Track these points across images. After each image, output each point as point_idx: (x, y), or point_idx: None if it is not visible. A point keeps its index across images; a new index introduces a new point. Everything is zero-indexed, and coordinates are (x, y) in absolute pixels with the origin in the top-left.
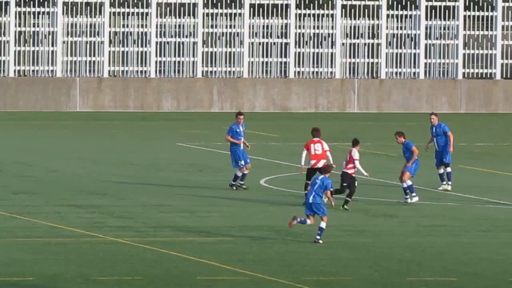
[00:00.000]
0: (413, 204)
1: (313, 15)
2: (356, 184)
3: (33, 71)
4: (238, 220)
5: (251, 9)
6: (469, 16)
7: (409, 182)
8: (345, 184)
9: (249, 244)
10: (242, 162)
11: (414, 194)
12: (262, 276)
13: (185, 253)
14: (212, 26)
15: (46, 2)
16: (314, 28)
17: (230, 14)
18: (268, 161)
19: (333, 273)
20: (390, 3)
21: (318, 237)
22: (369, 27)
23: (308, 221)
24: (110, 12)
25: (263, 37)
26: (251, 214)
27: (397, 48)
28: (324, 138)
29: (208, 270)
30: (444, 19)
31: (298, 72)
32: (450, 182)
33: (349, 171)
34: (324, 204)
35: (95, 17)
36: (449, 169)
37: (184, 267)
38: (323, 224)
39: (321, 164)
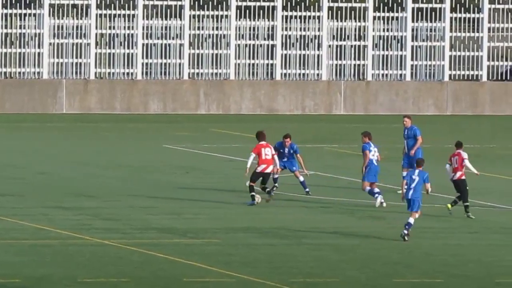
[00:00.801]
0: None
1: (300, 17)
2: (467, 187)
3: (19, 73)
4: (225, 222)
5: (238, 11)
6: (455, 18)
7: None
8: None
9: (236, 246)
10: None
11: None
12: (249, 278)
13: (172, 255)
14: (198, 28)
15: (32, 4)
16: (300, 30)
17: (217, 16)
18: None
19: (320, 274)
20: (376, 5)
21: (405, 231)
22: (355, 29)
23: (416, 216)
24: (96, 14)
25: (250, 39)
26: (238, 216)
27: (383, 50)
28: (310, 140)
29: (195, 272)
30: (431, 21)
31: (285, 74)
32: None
33: (460, 176)
34: (421, 200)
35: (81, 19)
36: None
37: (171, 269)
38: (411, 220)
39: (269, 169)
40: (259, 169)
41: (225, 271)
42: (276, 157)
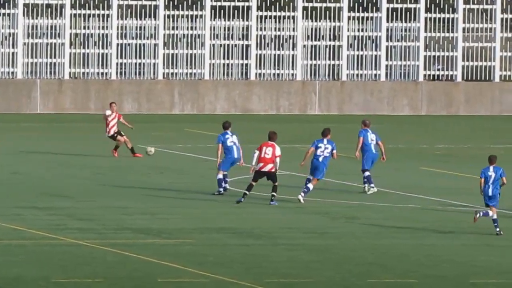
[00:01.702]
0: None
1: (274, 17)
2: None
3: None
4: (199, 222)
5: (212, 11)
6: (430, 18)
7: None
8: None
9: (210, 246)
10: None
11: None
12: (223, 278)
13: (146, 255)
14: (173, 28)
15: (6, 4)
16: (275, 30)
17: (191, 16)
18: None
19: (295, 275)
20: (351, 5)
21: (497, 229)
22: (330, 29)
23: (490, 213)
24: (71, 14)
25: (224, 39)
26: (213, 216)
27: (358, 50)
28: (285, 140)
29: (169, 272)
30: (405, 21)
31: (259, 74)
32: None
33: None
34: (499, 195)
35: (55, 18)
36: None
37: (145, 269)
38: (495, 216)
39: (267, 168)
40: (257, 167)
41: (199, 271)
42: (278, 159)
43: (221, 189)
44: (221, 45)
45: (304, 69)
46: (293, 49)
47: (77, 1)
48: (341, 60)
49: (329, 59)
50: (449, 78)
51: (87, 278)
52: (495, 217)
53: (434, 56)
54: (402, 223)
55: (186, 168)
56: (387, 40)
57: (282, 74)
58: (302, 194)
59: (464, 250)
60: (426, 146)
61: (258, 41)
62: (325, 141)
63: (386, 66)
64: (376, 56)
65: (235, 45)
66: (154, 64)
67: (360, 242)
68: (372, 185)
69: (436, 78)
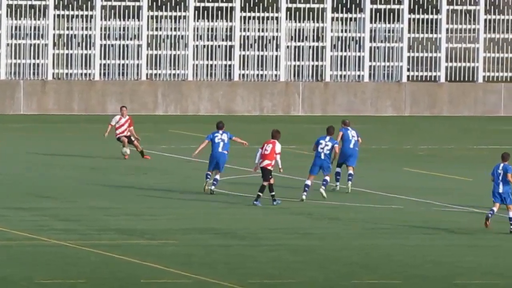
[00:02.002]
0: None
1: (258, 18)
2: None
3: None
4: (182, 223)
5: (196, 11)
6: (413, 19)
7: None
8: None
9: (193, 247)
10: None
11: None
12: (207, 279)
13: (129, 256)
14: (156, 29)
15: None
16: (258, 31)
17: (175, 16)
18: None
19: (278, 276)
20: (334, 6)
21: None
22: (313, 30)
23: (495, 209)
24: (54, 15)
25: (208, 40)
26: (196, 217)
27: (341, 51)
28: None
29: (153, 273)
30: (389, 22)
31: (243, 75)
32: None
33: None
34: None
35: (39, 19)
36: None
37: (129, 270)
38: (510, 213)
39: (264, 164)
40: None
41: (182, 272)
42: (278, 156)
43: (212, 186)
44: (204, 46)
45: (287, 70)
46: (276, 50)
47: (61, 2)
48: (325, 61)
49: (313, 60)
50: (433, 79)
51: (70, 278)
52: (510, 215)
53: (418, 57)
54: (385, 223)
55: (170, 169)
56: (370, 41)
57: (265, 75)
58: (323, 187)
59: (448, 251)
60: (410, 147)
61: (242, 42)
62: (327, 138)
63: (370, 67)
64: (359, 57)
65: (219, 46)
66: (138, 65)
67: (344, 243)
68: (337, 183)
69: (419, 79)
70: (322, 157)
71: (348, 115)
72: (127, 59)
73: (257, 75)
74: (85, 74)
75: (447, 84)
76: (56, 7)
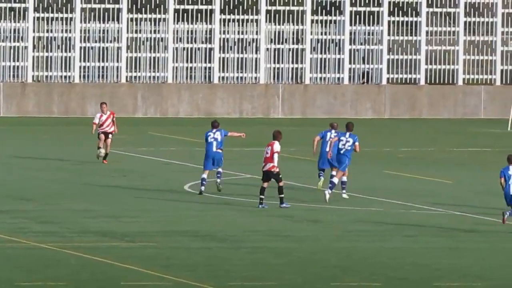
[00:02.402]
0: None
1: (238, 20)
2: None
3: None
4: (162, 225)
5: (176, 14)
6: (393, 22)
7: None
8: None
9: (173, 249)
10: None
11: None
12: (187, 281)
13: (109, 258)
14: (136, 31)
15: None
16: (238, 33)
17: (155, 19)
18: (192, 166)
19: (258, 278)
20: (314, 9)
21: None
22: (293, 32)
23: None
24: (34, 17)
25: (188, 42)
26: (176, 219)
27: (321, 53)
28: (248, 143)
29: (133, 275)
30: (368, 25)
31: (223, 77)
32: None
33: None
34: None
35: (19, 22)
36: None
37: (109, 272)
38: None
39: (267, 167)
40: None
41: (162, 275)
42: (276, 155)
43: (202, 187)
44: (184, 48)
45: (267, 72)
46: (256, 53)
47: (41, 5)
48: (305, 64)
49: (293, 62)
50: (413, 81)
51: (50, 281)
52: None
53: (398, 60)
54: (365, 226)
55: (150, 171)
56: (350, 44)
57: (245, 78)
58: (329, 190)
59: (427, 253)
60: (390, 149)
61: (221, 45)
62: (347, 134)
63: (350, 69)
64: (339, 59)
65: (198, 49)
66: (117, 67)
67: (323, 245)
68: (322, 178)
69: (399, 81)
70: (343, 152)
71: (327, 117)
72: (107, 61)
73: (237, 77)
74: (65, 77)
75: (427, 87)
76: (36, 9)
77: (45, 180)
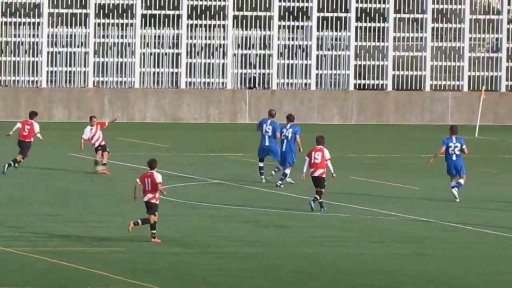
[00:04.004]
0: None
1: (205, 25)
2: None
3: None
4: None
5: (143, 19)
6: (360, 27)
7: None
8: None
9: (140, 254)
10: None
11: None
12: (153, 286)
13: (76, 262)
14: (103, 36)
15: None
16: (205, 38)
17: (122, 24)
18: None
19: (224, 283)
20: (281, 14)
21: None
22: (260, 37)
23: None
24: (1, 22)
25: (155, 48)
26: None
27: (288, 59)
28: (215, 149)
29: (99, 280)
30: (336, 30)
31: (190, 83)
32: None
33: None
34: None
35: None
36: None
37: (75, 277)
38: None
39: (317, 173)
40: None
41: (129, 279)
42: (329, 162)
43: (262, 177)
44: (151, 53)
45: (234, 77)
46: (223, 58)
47: (8, 9)
48: (271, 69)
49: (260, 68)
50: (380, 87)
51: (16, 285)
52: None
53: (364, 65)
54: (331, 232)
55: (116, 176)
56: (317, 49)
57: (212, 83)
58: (456, 189)
59: (393, 259)
60: (356, 155)
61: (188, 50)
62: (453, 139)
63: (316, 75)
64: (306, 65)
65: (165, 54)
66: (84, 72)
67: (289, 250)
68: (262, 177)
69: (366, 87)
70: (454, 158)
71: (294, 122)
72: (74, 66)
73: (204, 82)
74: (32, 81)
75: (394, 93)
76: (4, 14)
77: (11, 184)
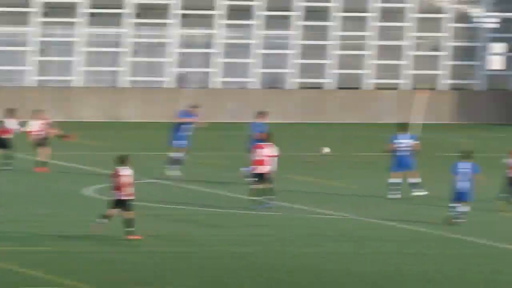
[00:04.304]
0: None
1: (149, 24)
2: None
3: None
4: (58, 230)
5: (87, 18)
6: (304, 26)
7: None
8: None
9: (69, 254)
10: None
11: None
12: (82, 285)
13: (5, 262)
14: (47, 35)
15: None
16: (149, 37)
17: (65, 22)
18: (96, 170)
19: (155, 282)
20: (225, 13)
21: None
22: (203, 36)
23: None
24: None
25: (98, 46)
26: (74, 223)
27: (231, 57)
28: (154, 148)
29: (29, 280)
30: (280, 29)
31: (131, 81)
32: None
33: None
34: None
35: None
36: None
37: (4, 277)
38: None
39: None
40: None
41: (58, 279)
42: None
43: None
44: (94, 52)
45: (176, 76)
46: (166, 57)
47: None
48: (214, 68)
49: (201, 66)
50: (322, 86)
51: None
52: None
53: (307, 64)
54: (268, 231)
55: (49, 175)
56: (261, 48)
57: (154, 82)
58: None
59: (333, 258)
60: (296, 153)
61: (132, 48)
62: (401, 136)
63: (259, 74)
64: (249, 64)
65: (107, 53)
66: (27, 71)
67: (224, 250)
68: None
69: (309, 86)
70: (402, 154)
71: (237, 122)
72: (16, 65)
73: (146, 81)
74: None
75: (337, 91)
76: None
77: None
